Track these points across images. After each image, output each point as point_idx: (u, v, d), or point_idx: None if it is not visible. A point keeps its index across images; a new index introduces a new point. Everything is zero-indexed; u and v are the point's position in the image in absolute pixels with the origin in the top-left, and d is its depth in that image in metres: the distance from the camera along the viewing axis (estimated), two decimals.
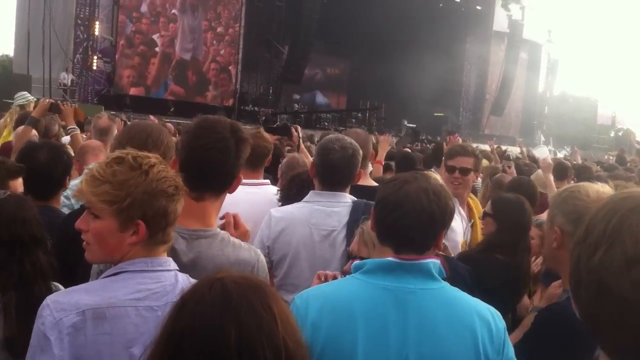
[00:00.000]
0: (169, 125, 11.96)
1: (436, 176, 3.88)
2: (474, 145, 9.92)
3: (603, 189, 2.42)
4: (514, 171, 7.40)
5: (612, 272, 0.96)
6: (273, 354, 1.41)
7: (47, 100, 5.97)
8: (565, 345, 2.20)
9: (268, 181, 4.14)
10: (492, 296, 2.39)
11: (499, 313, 2.17)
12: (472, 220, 4.55)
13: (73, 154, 4.52)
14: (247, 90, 29.42)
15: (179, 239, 2.32)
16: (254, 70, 29.86)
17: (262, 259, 2.53)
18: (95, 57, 23.24)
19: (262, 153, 4.08)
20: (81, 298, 1.91)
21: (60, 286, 2.40)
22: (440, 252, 3.05)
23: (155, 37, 25.20)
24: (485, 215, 4.13)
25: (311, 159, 5.41)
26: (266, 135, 4.38)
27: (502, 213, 3.98)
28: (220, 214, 2.58)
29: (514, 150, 15.64)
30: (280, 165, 5.31)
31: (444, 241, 2.49)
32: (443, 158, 4.89)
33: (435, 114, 32.29)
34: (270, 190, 4.01)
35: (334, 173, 3.35)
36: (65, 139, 6.14)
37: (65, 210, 3.68)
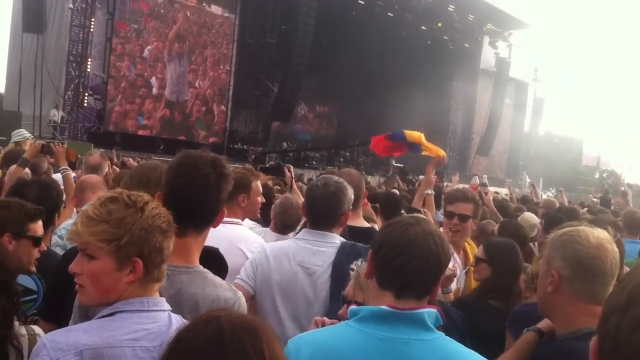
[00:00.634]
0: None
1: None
2: (460, 185, 10.03)
3: (602, 234, 2.36)
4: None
5: None
6: None
7: (38, 142, 6.05)
8: None
9: (237, 220, 4.04)
10: (487, 342, 2.39)
11: None
12: (467, 267, 4.45)
13: (65, 195, 4.59)
14: (236, 128, 29.52)
15: None
16: (244, 108, 29.99)
17: (243, 299, 2.51)
18: (86, 94, 23.32)
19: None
20: (79, 338, 1.89)
21: (37, 329, 2.38)
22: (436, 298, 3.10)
23: (149, 79, 25.42)
24: (478, 260, 4.08)
25: (302, 198, 5.47)
26: (237, 170, 4.27)
27: (497, 258, 3.94)
28: None
29: (501, 192, 15.76)
30: (273, 207, 5.36)
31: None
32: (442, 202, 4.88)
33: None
34: (233, 231, 3.83)
35: (314, 209, 3.38)
36: (57, 176, 6.17)
37: (59, 250, 3.67)
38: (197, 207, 2.41)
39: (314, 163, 29.22)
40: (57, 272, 2.94)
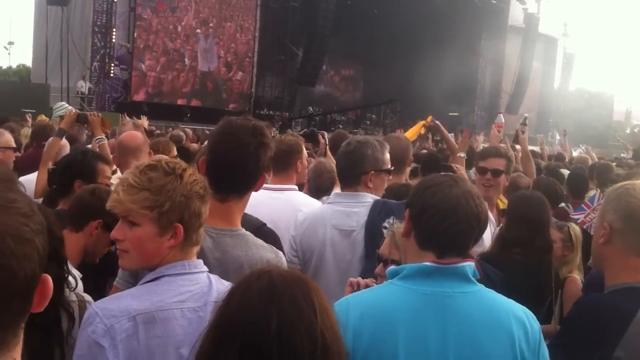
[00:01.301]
0: (188, 130, 12.07)
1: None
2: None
3: None
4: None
5: None
6: (310, 343, 1.49)
7: (74, 112, 6.02)
8: (598, 336, 2.25)
9: (294, 187, 4.16)
10: (511, 295, 2.42)
11: (533, 314, 2.19)
12: (501, 224, 4.40)
13: None
14: (262, 94, 29.52)
15: (206, 237, 2.38)
16: (269, 74, 29.95)
17: (284, 260, 2.61)
18: (112, 65, 23.46)
19: (285, 154, 3.99)
20: (130, 304, 1.95)
21: (87, 296, 2.42)
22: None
23: (174, 48, 25.48)
24: (503, 213, 4.13)
25: None
26: (289, 137, 4.31)
27: (512, 209, 3.94)
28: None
29: (533, 149, 15.55)
30: (307, 171, 5.37)
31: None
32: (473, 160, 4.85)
33: (449, 114, 32.20)
34: (293, 197, 3.97)
35: (337, 168, 3.57)
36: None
37: None
38: (237, 174, 2.49)
39: (340, 127, 29.15)
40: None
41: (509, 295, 2.25)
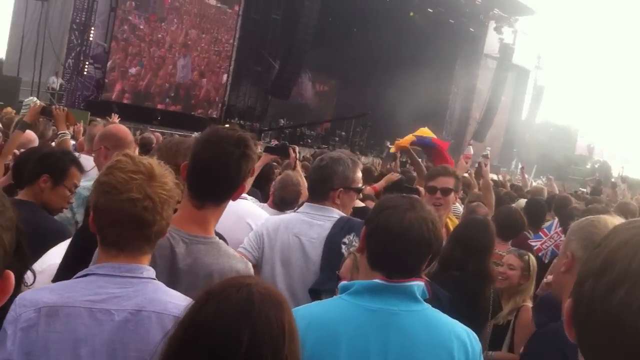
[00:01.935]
0: (158, 134, 12.06)
1: None
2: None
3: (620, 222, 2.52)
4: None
5: (633, 312, 0.95)
6: None
7: (39, 104, 5.94)
8: None
9: (245, 195, 4.23)
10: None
11: (475, 335, 2.24)
12: None
13: None
14: (234, 103, 29.50)
15: (180, 242, 2.42)
16: (244, 83, 29.93)
17: (252, 270, 2.63)
18: (87, 63, 23.31)
19: None
20: (43, 296, 1.96)
21: None
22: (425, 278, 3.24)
23: (153, 56, 25.44)
24: None
25: (304, 180, 5.56)
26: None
27: (455, 230, 4.05)
28: None
29: (494, 178, 15.88)
30: (273, 183, 5.47)
31: None
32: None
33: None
34: (241, 205, 3.98)
35: (308, 181, 3.58)
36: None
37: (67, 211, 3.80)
38: (217, 182, 2.51)
39: (309, 141, 29.28)
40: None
41: (452, 315, 2.30)
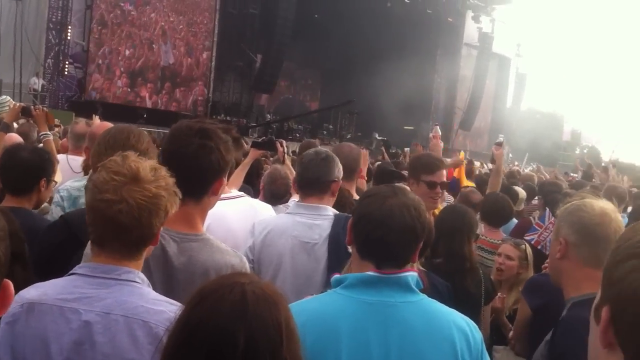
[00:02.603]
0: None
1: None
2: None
3: (606, 204, 2.54)
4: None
5: None
6: None
7: (19, 105, 5.90)
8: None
9: (242, 193, 4.15)
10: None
11: (475, 324, 2.22)
12: None
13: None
14: (219, 99, 29.36)
15: (171, 241, 2.38)
16: (227, 79, 29.80)
17: (247, 265, 2.58)
18: (66, 62, 23.05)
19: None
20: (29, 292, 2.01)
21: None
22: (420, 267, 3.15)
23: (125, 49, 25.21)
24: None
25: (294, 172, 5.50)
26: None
27: (436, 219, 3.98)
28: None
29: (487, 166, 15.82)
30: (262, 178, 5.38)
31: None
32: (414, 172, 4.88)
33: (405, 127, 32.51)
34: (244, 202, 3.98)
35: (305, 175, 3.45)
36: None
37: (58, 211, 3.66)
38: (184, 175, 2.36)
39: (297, 135, 29.19)
40: (42, 241, 2.95)
41: (452, 304, 2.30)
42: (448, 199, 6.17)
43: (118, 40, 24.69)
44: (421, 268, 3.17)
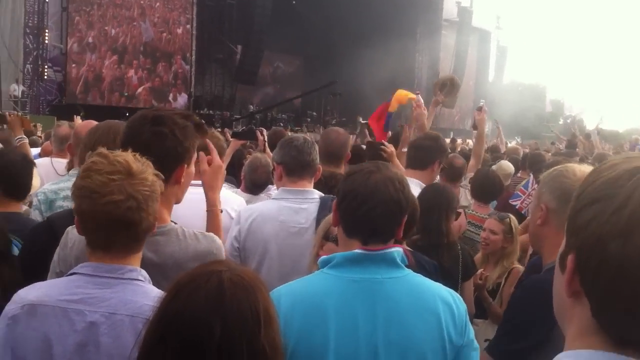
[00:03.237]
0: None
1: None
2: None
3: (588, 169, 2.55)
4: None
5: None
6: (251, 356, 1.52)
7: None
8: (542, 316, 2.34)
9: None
10: None
11: (459, 296, 2.26)
12: None
13: None
14: (201, 93, 29.20)
15: None
16: (208, 72, 29.61)
17: (220, 245, 2.51)
18: (45, 67, 22.88)
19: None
20: (30, 293, 1.99)
21: None
22: (406, 247, 3.17)
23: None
24: None
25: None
26: (217, 134, 4.40)
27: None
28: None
29: (469, 143, 15.90)
30: (243, 168, 5.40)
31: None
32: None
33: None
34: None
35: (298, 158, 3.45)
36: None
37: (37, 214, 3.65)
38: None
39: (281, 124, 29.09)
40: (27, 242, 2.94)
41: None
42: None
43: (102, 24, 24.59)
44: (407, 248, 3.18)
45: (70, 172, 3.90)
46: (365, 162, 2.49)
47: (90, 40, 24.50)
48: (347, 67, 31.00)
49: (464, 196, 6.12)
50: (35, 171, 3.89)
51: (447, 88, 7.86)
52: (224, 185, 4.38)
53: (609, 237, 1.02)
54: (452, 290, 2.25)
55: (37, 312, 1.93)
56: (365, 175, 2.19)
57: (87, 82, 24.53)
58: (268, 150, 5.80)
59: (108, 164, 1.97)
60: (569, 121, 40.85)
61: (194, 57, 28.07)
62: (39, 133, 9.69)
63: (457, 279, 3.92)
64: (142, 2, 26.34)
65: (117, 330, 1.94)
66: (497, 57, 43.81)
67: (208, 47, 28.90)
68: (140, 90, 26.35)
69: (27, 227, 3.22)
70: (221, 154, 4.02)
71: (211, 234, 2.55)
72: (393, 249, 2.16)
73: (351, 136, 17.23)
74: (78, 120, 8.87)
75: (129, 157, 2.02)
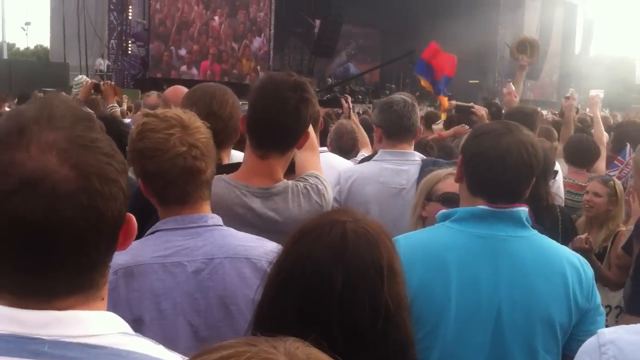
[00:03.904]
0: None
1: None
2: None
3: None
4: None
5: None
6: (372, 311, 1.45)
7: (90, 82, 6.49)
8: None
9: (325, 148, 4.18)
10: None
11: (587, 262, 2.18)
12: None
13: None
14: (280, 67, 29.42)
15: (254, 198, 2.39)
16: (287, 46, 29.83)
17: (330, 192, 2.58)
18: (129, 42, 23.47)
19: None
20: (119, 258, 1.93)
21: None
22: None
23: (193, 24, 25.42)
24: None
25: (360, 127, 5.43)
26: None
27: None
28: None
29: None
30: (329, 134, 5.36)
31: None
32: None
33: (469, 81, 31.88)
34: (328, 158, 3.98)
35: (400, 121, 3.45)
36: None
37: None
38: (277, 131, 2.41)
39: (360, 97, 29.05)
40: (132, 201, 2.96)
41: None
42: None
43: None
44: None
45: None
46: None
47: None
48: (427, 39, 30.46)
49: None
50: None
51: (529, 49, 7.77)
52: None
53: None
54: (579, 255, 2.19)
55: (135, 273, 1.94)
56: (496, 137, 2.11)
57: (165, 59, 24.96)
58: (353, 116, 5.76)
59: (161, 121, 1.99)
60: None
61: (272, 31, 28.18)
62: (124, 105, 9.88)
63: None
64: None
65: (219, 274, 1.98)
66: (584, 29, 42.47)
67: (286, 21, 29.04)
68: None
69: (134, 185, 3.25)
70: (317, 120, 4.04)
71: (327, 185, 2.59)
72: (520, 208, 2.11)
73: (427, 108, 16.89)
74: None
75: (178, 112, 2.05)
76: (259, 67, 27.90)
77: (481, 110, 5.34)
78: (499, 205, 2.08)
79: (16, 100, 10.32)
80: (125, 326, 1.16)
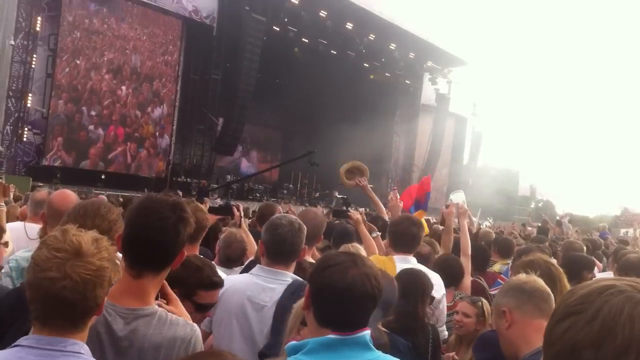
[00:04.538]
0: (102, 197, 11.93)
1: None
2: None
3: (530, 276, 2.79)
4: None
5: None
6: None
7: None
8: None
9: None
10: None
11: None
12: None
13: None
14: (179, 162, 29.39)
15: (117, 317, 2.35)
16: (188, 142, 29.90)
17: (198, 333, 2.52)
18: (25, 129, 22.99)
19: (200, 227, 3.97)
20: None
21: None
22: (382, 328, 3.27)
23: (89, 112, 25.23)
24: None
25: (250, 236, 5.57)
26: (202, 207, 4.47)
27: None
28: None
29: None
30: (218, 241, 5.44)
31: None
32: None
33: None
34: None
35: (282, 246, 3.46)
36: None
37: (8, 281, 3.59)
38: (154, 249, 2.39)
39: (257, 195, 29.26)
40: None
41: None
42: None
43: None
44: (382, 328, 3.24)
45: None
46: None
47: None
48: (326, 143, 31.45)
49: None
50: (7, 235, 3.85)
51: (358, 174, 8.52)
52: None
53: (582, 345, 1.12)
54: None
55: None
56: (343, 269, 2.21)
57: (64, 147, 24.55)
58: (244, 225, 5.87)
59: (59, 241, 2.00)
60: (540, 205, 41.49)
61: (174, 126, 28.39)
62: (11, 195, 9.64)
63: (427, 358, 4.00)
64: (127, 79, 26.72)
65: None
66: (472, 141, 44.76)
67: (190, 118, 29.30)
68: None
69: None
70: (203, 230, 4.12)
71: (195, 325, 2.58)
72: (364, 332, 2.19)
73: (323, 209, 17.23)
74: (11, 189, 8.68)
75: (85, 238, 2.04)
76: (159, 162, 27.81)
77: (356, 214, 5.59)
78: (346, 332, 2.16)
79: None
80: None
